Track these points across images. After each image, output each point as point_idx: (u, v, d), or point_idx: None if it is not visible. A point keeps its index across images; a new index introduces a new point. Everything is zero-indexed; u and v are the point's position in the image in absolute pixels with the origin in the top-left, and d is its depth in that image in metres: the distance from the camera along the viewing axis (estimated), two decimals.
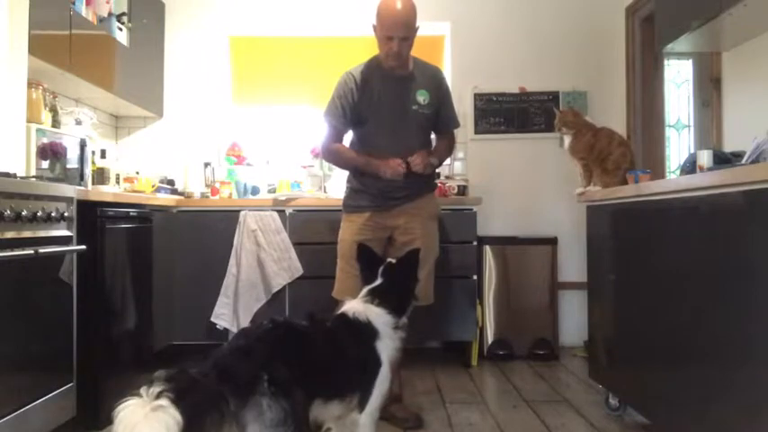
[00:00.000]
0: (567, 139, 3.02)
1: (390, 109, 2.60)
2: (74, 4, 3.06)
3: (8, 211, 1.97)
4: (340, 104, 2.62)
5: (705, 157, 2.18)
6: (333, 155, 2.74)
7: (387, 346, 1.98)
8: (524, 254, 3.78)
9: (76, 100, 3.59)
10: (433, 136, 2.82)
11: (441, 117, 2.71)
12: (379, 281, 2.12)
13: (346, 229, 2.71)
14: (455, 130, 2.89)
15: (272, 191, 3.97)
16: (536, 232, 3.94)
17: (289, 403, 1.54)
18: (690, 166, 2.31)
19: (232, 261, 3.43)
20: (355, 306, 2.03)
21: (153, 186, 3.75)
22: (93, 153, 3.38)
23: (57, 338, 2.28)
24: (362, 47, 3.85)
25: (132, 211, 2.88)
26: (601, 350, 2.79)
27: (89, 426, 2.43)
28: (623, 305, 2.54)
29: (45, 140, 2.84)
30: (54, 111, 3.09)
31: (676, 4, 2.67)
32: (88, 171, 3.21)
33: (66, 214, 2.30)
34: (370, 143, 2.65)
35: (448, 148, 2.82)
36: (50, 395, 2.18)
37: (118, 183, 3.55)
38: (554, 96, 4.15)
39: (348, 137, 2.79)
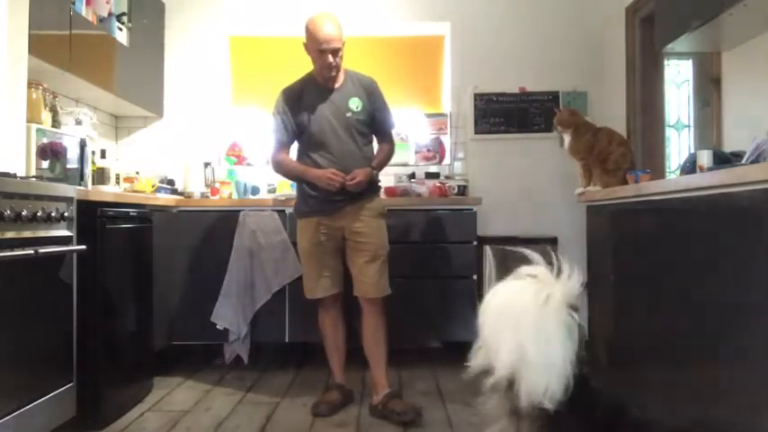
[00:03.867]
0: (567, 139, 3.02)
1: (327, 118, 2.76)
2: (74, 4, 3.06)
3: (8, 211, 1.97)
4: (280, 119, 2.82)
5: (705, 157, 2.18)
6: (278, 165, 2.90)
7: None
8: (524, 254, 3.77)
9: (76, 100, 3.59)
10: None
11: (376, 120, 2.88)
12: None
13: (302, 236, 2.87)
14: (396, 134, 3.13)
15: (272, 191, 3.97)
16: (536, 232, 3.94)
17: None
18: (690, 166, 2.32)
19: (232, 261, 3.43)
20: None
21: (153, 186, 3.75)
22: (93, 153, 3.38)
23: (57, 338, 2.28)
24: (362, 46, 3.86)
25: (132, 211, 2.88)
26: (600, 350, 2.79)
27: (89, 426, 2.43)
28: (623, 305, 2.54)
29: (45, 140, 2.84)
30: (54, 111, 3.09)
31: (676, 4, 2.66)
32: (88, 171, 3.21)
33: (66, 214, 2.30)
34: (313, 151, 2.80)
35: (388, 153, 2.95)
36: (50, 395, 2.18)
37: (118, 183, 3.56)
38: (554, 96, 4.15)
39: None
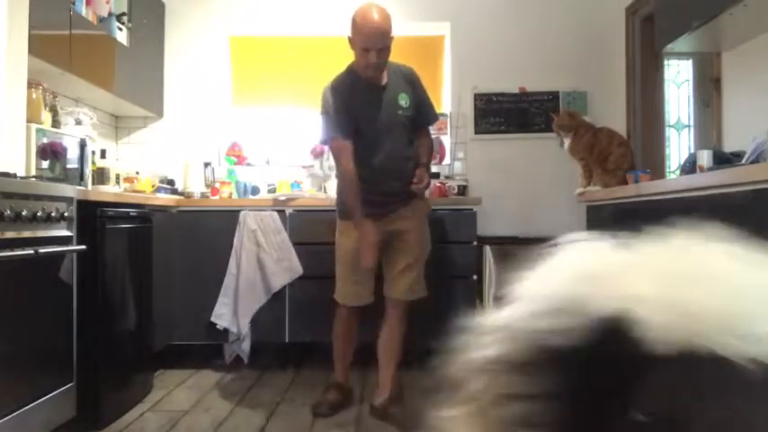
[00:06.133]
0: (567, 140, 3.02)
1: (379, 118, 2.62)
2: (74, 4, 3.06)
3: (8, 211, 1.97)
4: (338, 119, 2.59)
5: (705, 157, 2.18)
6: (347, 178, 2.60)
7: None
8: (524, 254, 3.77)
9: (76, 100, 3.59)
10: None
11: (421, 114, 2.74)
12: None
13: (346, 238, 2.69)
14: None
15: (272, 191, 3.97)
16: (536, 232, 3.94)
17: None
18: (690, 166, 2.32)
19: (232, 261, 3.43)
20: None
21: (153, 186, 3.75)
22: (93, 153, 3.38)
23: (57, 338, 2.28)
24: None
25: (132, 211, 2.88)
26: None
27: (89, 426, 2.43)
28: None
29: (45, 140, 2.84)
30: (54, 111, 3.09)
31: (676, 4, 2.67)
32: (88, 171, 3.21)
33: (66, 214, 2.30)
34: (361, 153, 2.60)
35: (431, 150, 2.84)
36: (50, 395, 2.18)
37: (118, 183, 3.55)
38: (554, 96, 4.14)
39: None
